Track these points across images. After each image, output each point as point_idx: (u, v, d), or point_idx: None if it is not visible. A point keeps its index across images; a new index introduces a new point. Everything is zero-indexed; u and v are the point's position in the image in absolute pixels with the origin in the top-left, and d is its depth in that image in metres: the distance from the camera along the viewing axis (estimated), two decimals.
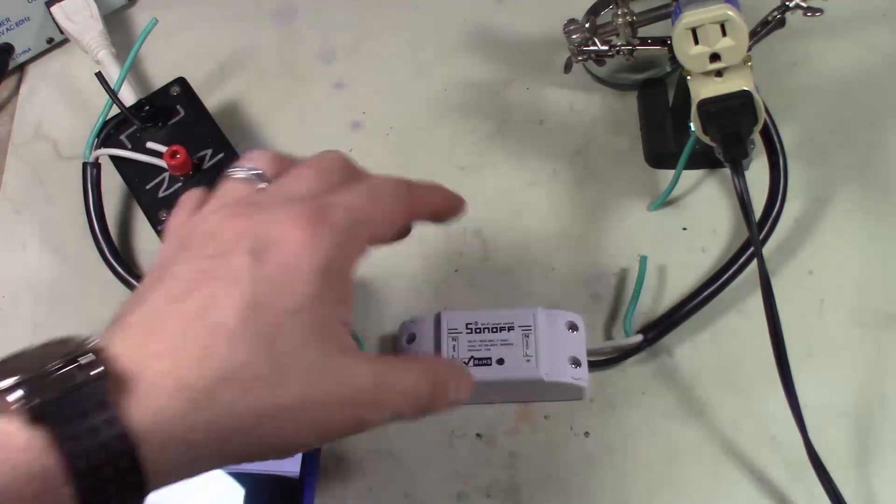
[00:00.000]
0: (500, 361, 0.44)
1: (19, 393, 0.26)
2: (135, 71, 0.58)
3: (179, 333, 0.29)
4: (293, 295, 0.30)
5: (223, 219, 0.31)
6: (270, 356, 0.29)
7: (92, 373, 0.27)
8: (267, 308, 0.29)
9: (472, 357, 0.44)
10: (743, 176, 0.44)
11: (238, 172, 0.34)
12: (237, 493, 0.42)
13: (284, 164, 0.35)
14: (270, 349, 0.29)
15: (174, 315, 0.29)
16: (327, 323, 0.31)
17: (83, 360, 0.28)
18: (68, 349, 0.28)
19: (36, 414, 0.26)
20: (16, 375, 0.27)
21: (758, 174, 0.49)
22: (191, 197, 0.36)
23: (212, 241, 0.31)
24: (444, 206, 0.37)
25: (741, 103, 0.43)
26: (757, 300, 0.42)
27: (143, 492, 0.28)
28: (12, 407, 0.26)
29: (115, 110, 0.52)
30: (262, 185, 0.34)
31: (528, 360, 0.44)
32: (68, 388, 0.27)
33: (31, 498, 0.26)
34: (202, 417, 0.28)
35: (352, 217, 0.32)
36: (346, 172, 0.35)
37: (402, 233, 0.36)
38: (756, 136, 0.46)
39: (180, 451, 0.28)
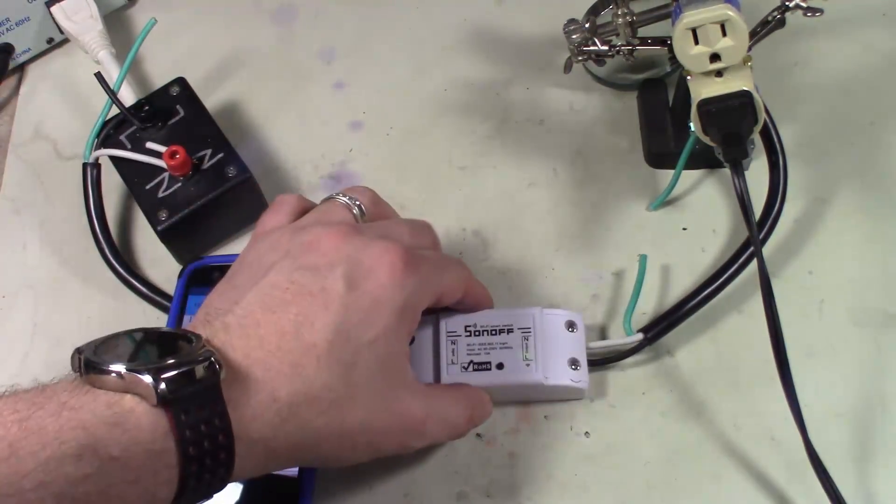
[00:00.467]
0: (500, 366, 0.43)
1: (161, 381, 0.29)
2: (135, 71, 0.58)
3: (276, 347, 0.31)
4: (375, 327, 0.33)
5: (326, 234, 0.34)
6: (348, 382, 0.32)
7: (216, 370, 0.30)
8: (352, 336, 0.32)
9: (471, 361, 0.43)
10: (743, 176, 0.44)
11: (342, 198, 0.38)
12: (236, 492, 0.42)
13: (383, 207, 0.39)
14: (349, 376, 0.32)
15: (271, 326, 0.32)
16: (396, 356, 0.34)
17: (209, 359, 0.30)
18: (194, 346, 0.30)
19: (163, 399, 0.29)
20: (155, 362, 0.29)
21: (758, 174, 0.49)
22: (288, 201, 0.39)
23: (312, 252, 0.34)
24: (480, 305, 0.42)
25: (741, 103, 0.43)
26: (757, 300, 0.42)
27: (225, 483, 0.30)
28: (146, 388, 0.29)
29: (114, 110, 0.52)
30: (358, 215, 0.38)
31: (527, 365, 0.43)
32: (197, 384, 0.29)
33: (146, 472, 0.28)
34: (284, 429, 0.31)
35: (434, 270, 0.36)
36: (432, 241, 0.40)
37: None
38: (756, 136, 0.46)
39: (261, 454, 0.31)
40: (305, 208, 0.40)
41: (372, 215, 0.38)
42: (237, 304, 0.33)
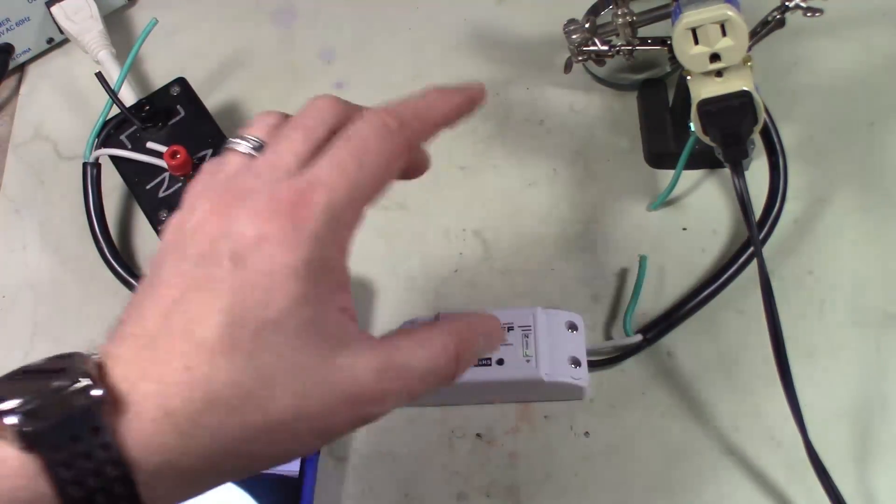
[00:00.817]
0: (500, 362, 0.44)
1: (14, 418, 0.25)
2: (135, 71, 0.58)
3: (166, 353, 0.28)
4: (274, 302, 0.28)
5: (209, 213, 0.30)
6: (256, 372, 0.28)
7: (90, 394, 0.26)
8: (248, 320, 0.28)
9: None
10: (743, 176, 0.44)
11: (239, 145, 0.32)
12: (235, 493, 0.42)
13: (288, 122, 0.33)
14: (255, 364, 0.28)
15: (163, 331, 0.28)
16: (319, 321, 0.29)
17: (82, 382, 0.26)
18: (68, 369, 0.27)
19: (29, 439, 0.25)
20: (13, 398, 0.26)
21: (758, 174, 0.49)
22: (206, 168, 0.33)
23: (197, 239, 0.29)
24: (454, 112, 0.33)
25: (741, 103, 0.43)
26: (757, 300, 0.42)
27: None
28: (8, 431, 0.25)
29: (115, 110, 0.52)
30: (255, 157, 0.32)
31: (527, 361, 0.44)
32: (63, 412, 0.26)
33: None
34: (191, 443, 0.27)
35: (335, 197, 0.29)
36: (336, 122, 0.32)
37: (418, 166, 0.34)
38: (756, 137, 0.46)
39: (174, 477, 0.27)
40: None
41: (270, 143, 0.32)
42: (136, 312, 0.29)
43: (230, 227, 0.29)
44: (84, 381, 0.26)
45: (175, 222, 0.32)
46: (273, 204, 0.29)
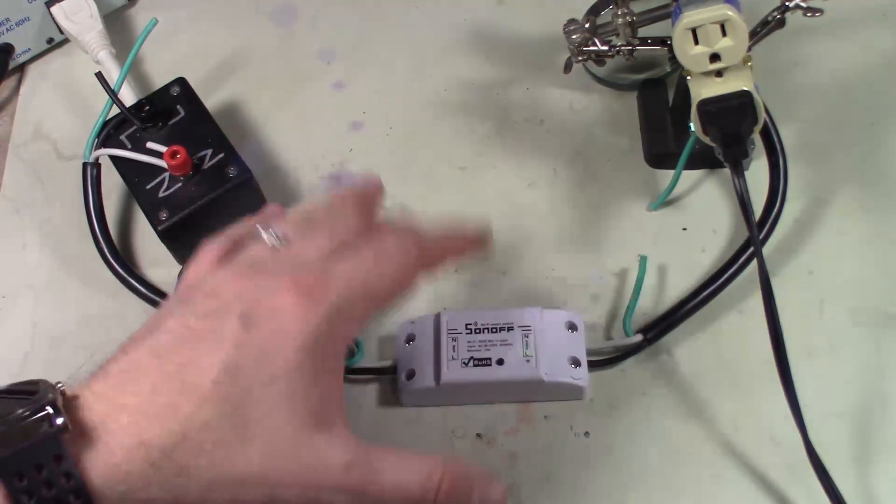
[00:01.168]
0: (500, 362, 0.44)
1: None
2: (135, 71, 0.58)
3: (150, 389, 0.28)
4: (273, 365, 0.29)
5: (228, 278, 0.31)
6: (235, 422, 0.28)
7: (54, 422, 0.27)
8: (244, 374, 0.29)
9: (471, 357, 0.44)
10: (743, 176, 0.44)
11: (260, 234, 0.34)
12: None
13: (313, 224, 0.35)
14: (237, 415, 0.28)
15: (153, 370, 0.29)
16: (309, 396, 0.29)
17: (46, 410, 0.27)
18: (34, 397, 0.27)
19: None
20: None
21: (758, 174, 0.49)
22: (209, 249, 0.35)
23: (210, 298, 0.31)
24: (462, 252, 0.36)
25: (741, 103, 0.43)
26: (757, 300, 0.42)
27: None
28: None
29: (115, 110, 0.52)
30: (279, 249, 0.33)
31: (527, 361, 0.44)
32: (26, 440, 0.26)
33: None
34: (158, 476, 0.27)
35: (351, 290, 0.31)
36: (360, 225, 0.34)
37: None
38: (756, 136, 0.46)
39: None
40: (230, 250, 0.36)
41: (296, 239, 0.34)
42: (128, 353, 0.30)
43: (248, 292, 0.30)
44: (48, 410, 0.27)
45: (191, 279, 0.33)
46: (293, 282, 0.30)
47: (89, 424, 0.27)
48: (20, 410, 0.27)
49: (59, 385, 0.29)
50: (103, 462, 0.27)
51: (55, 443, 0.27)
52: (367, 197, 0.36)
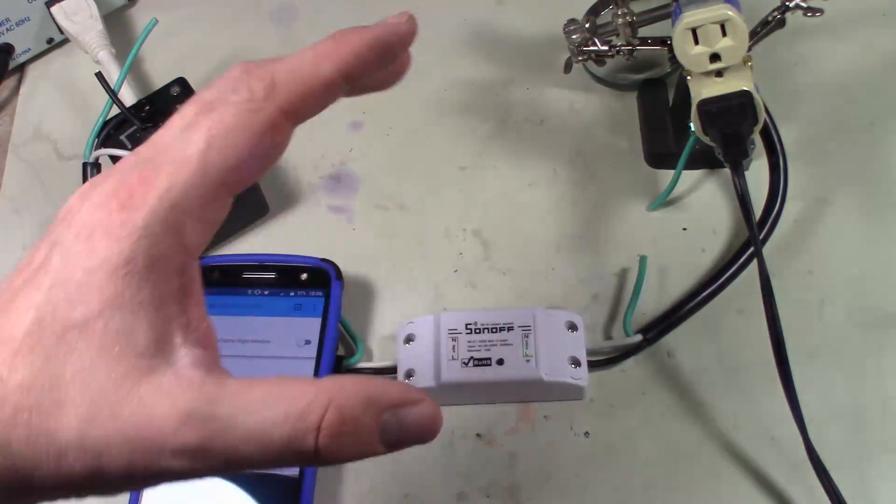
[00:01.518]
0: (500, 362, 0.44)
1: None
2: (135, 71, 0.58)
3: None
4: (86, 301, 0.23)
5: (73, 197, 0.25)
6: (49, 380, 0.23)
7: None
8: (56, 318, 0.23)
9: (471, 357, 0.44)
10: (743, 176, 0.44)
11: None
12: (236, 493, 0.42)
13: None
14: (50, 371, 0.23)
15: None
16: (131, 334, 0.24)
17: None
18: None
19: None
20: None
21: (758, 174, 0.49)
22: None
23: (55, 223, 0.25)
24: (352, 61, 0.28)
25: (741, 103, 0.43)
26: (757, 300, 0.42)
27: None
28: None
29: (115, 110, 0.52)
30: None
31: (527, 361, 0.44)
32: None
33: None
34: None
35: (175, 180, 0.24)
36: (229, 93, 0.27)
37: (385, 77, 0.29)
38: (756, 136, 0.46)
39: None
40: None
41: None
42: None
43: (74, 212, 0.25)
44: None
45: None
46: (114, 188, 0.24)
47: None
48: None
49: None
50: None
51: None
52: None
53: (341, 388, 0.24)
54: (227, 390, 0.23)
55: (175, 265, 0.25)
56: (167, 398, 0.23)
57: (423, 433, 0.24)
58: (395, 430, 0.24)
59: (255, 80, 0.27)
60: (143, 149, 0.26)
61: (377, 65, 0.28)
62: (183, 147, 0.25)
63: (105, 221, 0.24)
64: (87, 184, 0.25)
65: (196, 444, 0.23)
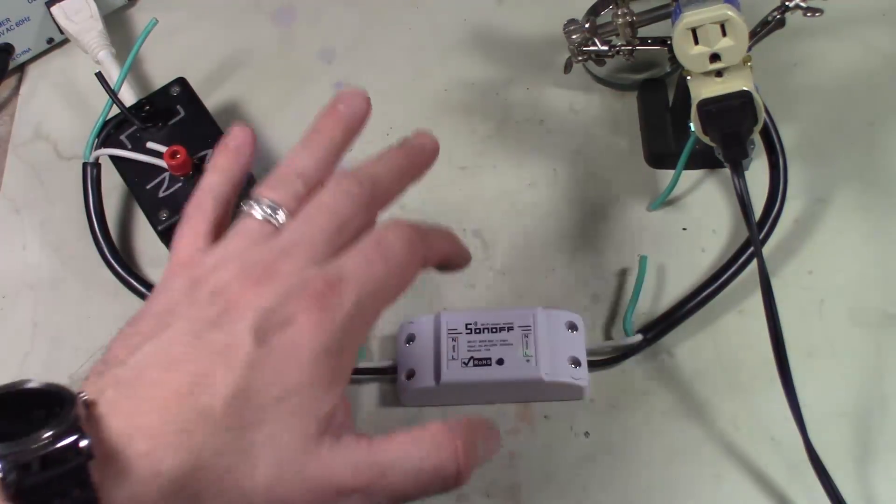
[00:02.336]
0: (500, 362, 0.44)
1: (0, 466, 0.25)
2: (135, 71, 0.58)
3: (164, 410, 0.28)
4: (285, 381, 0.28)
5: (235, 278, 0.30)
6: (244, 445, 0.28)
7: (79, 448, 0.25)
8: (255, 395, 0.28)
9: (471, 357, 0.44)
10: (743, 176, 0.44)
11: (256, 210, 0.32)
12: None
13: (304, 197, 0.33)
14: (246, 437, 0.28)
15: (164, 386, 0.28)
16: (317, 408, 0.29)
17: (73, 436, 0.26)
18: (60, 414, 0.26)
19: (14, 492, 0.25)
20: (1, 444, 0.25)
21: (758, 174, 0.49)
22: (202, 208, 0.34)
23: (218, 301, 0.30)
24: (454, 257, 0.35)
25: (741, 103, 0.43)
26: (757, 300, 0.42)
27: None
28: None
29: (115, 110, 0.52)
30: (279, 225, 0.32)
31: (527, 361, 0.44)
32: (53, 470, 0.25)
33: None
34: None
35: (364, 294, 0.30)
36: (361, 207, 0.32)
37: (456, 263, 0.35)
38: (756, 136, 0.46)
39: None
40: (221, 217, 0.35)
41: (293, 210, 0.32)
42: (133, 353, 0.29)
43: (258, 300, 0.29)
44: (75, 436, 0.26)
45: (183, 258, 0.32)
46: (304, 290, 0.29)
47: (110, 449, 0.27)
48: (46, 434, 0.25)
49: (83, 396, 0.27)
50: (121, 492, 0.26)
51: (82, 472, 0.26)
52: (375, 181, 0.34)
53: (459, 423, 0.31)
54: (379, 445, 0.30)
55: (351, 356, 0.31)
56: (342, 453, 0.29)
57: (495, 451, 0.33)
58: (484, 452, 0.32)
59: (413, 231, 0.32)
60: (291, 246, 0.31)
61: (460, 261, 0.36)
62: (362, 266, 0.31)
63: (304, 317, 0.29)
64: (230, 262, 0.31)
65: (366, 484, 0.29)
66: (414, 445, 0.30)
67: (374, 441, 0.30)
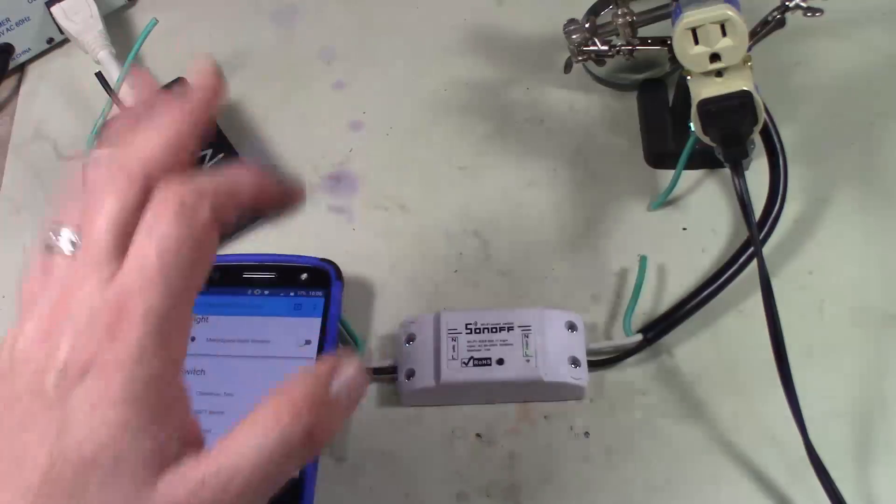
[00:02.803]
0: (500, 362, 0.44)
1: None
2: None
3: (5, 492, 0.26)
4: (96, 437, 0.26)
5: (33, 337, 0.28)
6: None
7: None
8: (69, 461, 0.26)
9: (471, 357, 0.44)
10: (743, 176, 0.44)
11: (53, 241, 0.30)
12: None
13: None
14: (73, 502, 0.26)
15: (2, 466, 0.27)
16: (135, 449, 0.27)
17: None
18: None
19: None
20: None
21: (758, 174, 0.49)
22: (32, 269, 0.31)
23: (24, 370, 0.28)
24: (267, 198, 0.30)
25: (741, 103, 0.43)
26: (757, 300, 0.42)
27: None
28: None
29: (115, 110, 0.52)
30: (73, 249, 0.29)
31: (527, 361, 0.44)
32: None
33: None
34: None
35: (151, 304, 0.27)
36: (133, 192, 0.28)
37: (283, 201, 0.31)
38: (756, 136, 0.46)
39: None
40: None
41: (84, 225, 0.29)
42: None
43: (54, 356, 0.27)
44: None
45: (7, 343, 0.29)
46: (91, 325, 0.27)
47: None
48: None
49: None
50: None
51: None
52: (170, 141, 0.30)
53: (293, 386, 0.28)
54: (221, 447, 0.27)
55: (170, 377, 0.28)
56: (181, 484, 0.27)
57: (361, 385, 0.30)
58: (345, 391, 0.29)
59: (183, 191, 0.28)
60: (80, 268, 0.28)
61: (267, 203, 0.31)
62: (139, 275, 0.27)
63: (96, 359, 0.26)
64: (30, 320, 0.28)
65: (218, 493, 0.27)
66: (252, 428, 0.27)
67: (217, 446, 0.27)
